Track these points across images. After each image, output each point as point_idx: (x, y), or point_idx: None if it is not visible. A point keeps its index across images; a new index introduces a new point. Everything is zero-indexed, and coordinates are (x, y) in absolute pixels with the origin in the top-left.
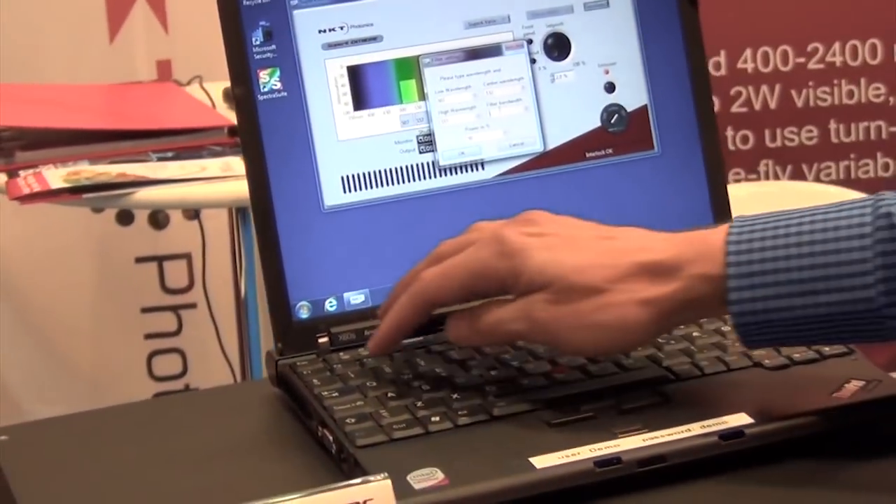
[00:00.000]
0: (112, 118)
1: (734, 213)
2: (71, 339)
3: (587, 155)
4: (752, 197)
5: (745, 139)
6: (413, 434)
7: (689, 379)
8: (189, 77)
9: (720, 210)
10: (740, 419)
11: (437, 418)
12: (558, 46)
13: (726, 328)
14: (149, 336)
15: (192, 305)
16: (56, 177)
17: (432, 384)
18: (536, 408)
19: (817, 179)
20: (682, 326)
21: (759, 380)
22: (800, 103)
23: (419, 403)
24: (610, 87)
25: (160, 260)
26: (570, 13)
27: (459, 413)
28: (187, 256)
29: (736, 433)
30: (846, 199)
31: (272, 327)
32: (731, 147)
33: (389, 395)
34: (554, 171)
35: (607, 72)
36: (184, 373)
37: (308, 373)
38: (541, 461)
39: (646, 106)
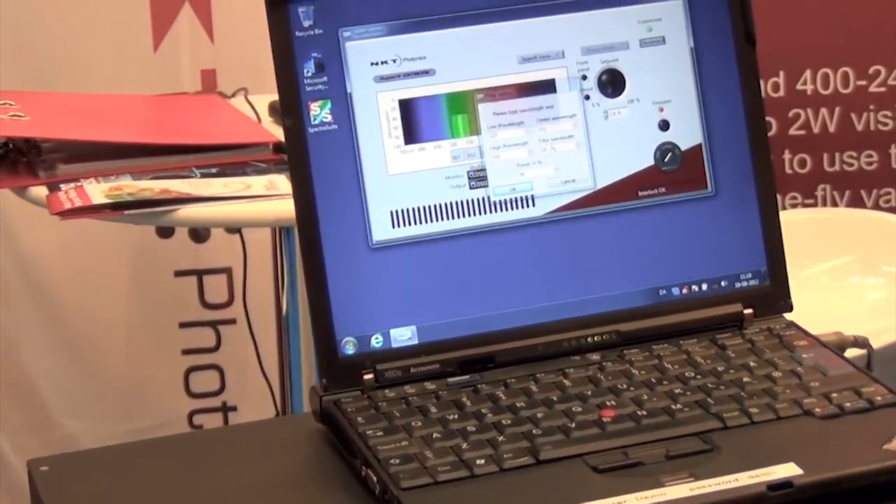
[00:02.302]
0: (155, 132)
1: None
2: (107, 352)
3: (639, 194)
4: (807, 223)
5: (802, 163)
6: (458, 477)
7: (739, 427)
8: (234, 88)
9: (773, 252)
10: (789, 469)
11: (483, 461)
12: (613, 83)
13: (777, 374)
14: (186, 352)
15: (232, 321)
16: (98, 192)
17: (479, 426)
18: (584, 453)
19: (876, 206)
20: (731, 371)
21: (809, 429)
22: (860, 127)
23: (465, 445)
24: (664, 125)
25: (200, 274)
26: (626, 49)
27: (506, 456)
28: (228, 271)
29: (785, 484)
30: None
31: (317, 362)
32: (787, 171)
33: (435, 435)
34: (605, 210)
35: (662, 109)
36: (221, 390)
37: (352, 410)
38: None
39: (700, 145)
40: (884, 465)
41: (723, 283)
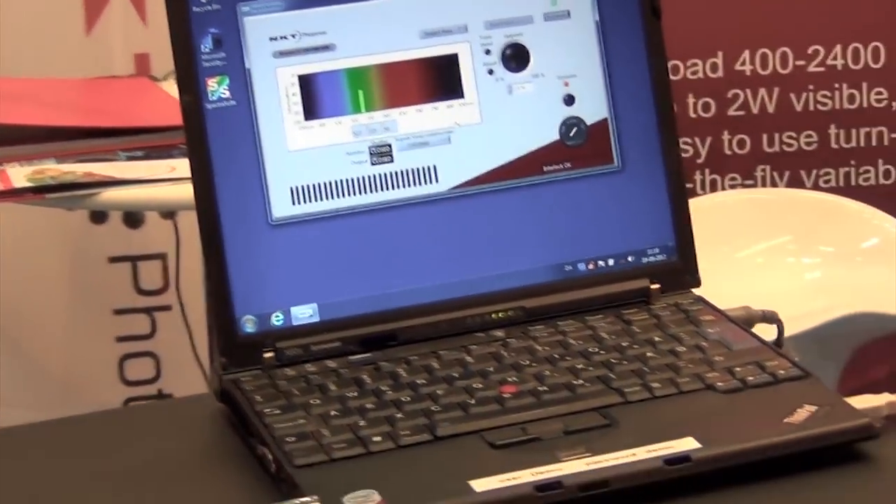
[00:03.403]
0: (82, 115)
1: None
2: (40, 340)
3: (544, 169)
4: (744, 203)
5: (741, 143)
6: (353, 454)
7: (639, 402)
8: (166, 72)
9: (681, 227)
10: (688, 444)
11: (379, 438)
12: (517, 57)
13: (681, 348)
14: (121, 339)
15: (167, 308)
16: (20, 175)
17: (378, 403)
18: (482, 429)
19: (816, 186)
20: (635, 346)
21: (711, 403)
22: (799, 107)
23: (362, 423)
24: (569, 100)
25: (134, 260)
26: (530, 24)
27: (403, 433)
28: (162, 256)
29: (682, 458)
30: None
31: (217, 341)
32: (727, 151)
33: (333, 413)
34: (510, 185)
35: (567, 84)
36: (156, 378)
37: (251, 389)
38: (481, 484)
39: (606, 119)
40: (784, 438)
41: (629, 259)
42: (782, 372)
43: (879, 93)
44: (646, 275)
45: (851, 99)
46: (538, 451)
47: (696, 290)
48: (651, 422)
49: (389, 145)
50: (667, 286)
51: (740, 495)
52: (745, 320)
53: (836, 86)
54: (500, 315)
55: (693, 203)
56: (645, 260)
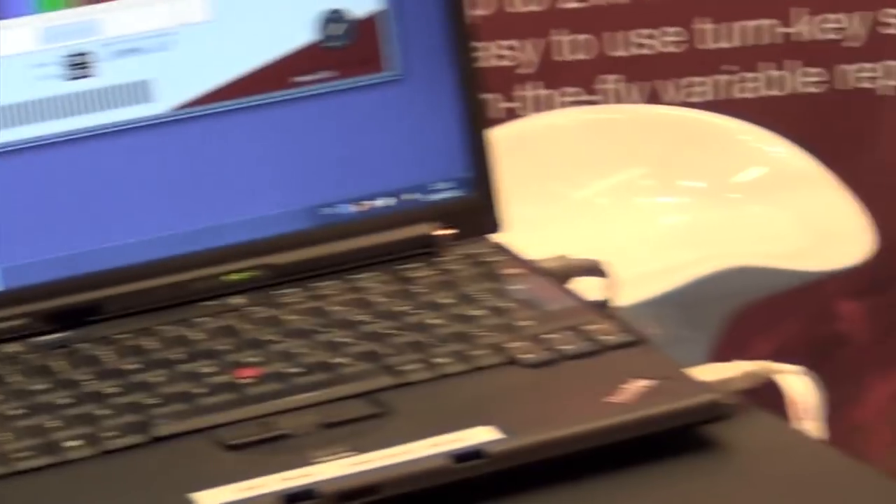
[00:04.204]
0: None
1: (558, 148)
2: None
3: (295, 80)
4: (586, 126)
5: (578, 46)
6: (45, 464)
7: (421, 383)
8: None
9: (478, 154)
10: (483, 434)
11: (78, 443)
12: None
13: (476, 312)
14: None
15: None
16: None
17: (74, 397)
18: (212, 425)
19: (681, 102)
20: (415, 312)
21: (514, 381)
22: None
23: (54, 423)
24: None
25: None
26: None
27: (107, 435)
28: None
29: (475, 453)
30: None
31: None
32: (556, 57)
33: (12, 413)
34: (248, 103)
35: None
36: None
37: None
38: (208, 497)
39: (378, 13)
40: (606, 423)
41: (410, 197)
42: (607, 338)
43: None
44: (433, 217)
45: None
46: (286, 452)
47: (503, 238)
48: (435, 408)
49: (89, 53)
50: (462, 232)
51: (552, 497)
52: (562, 273)
53: None
54: (237, 276)
55: (515, 127)
56: (431, 198)
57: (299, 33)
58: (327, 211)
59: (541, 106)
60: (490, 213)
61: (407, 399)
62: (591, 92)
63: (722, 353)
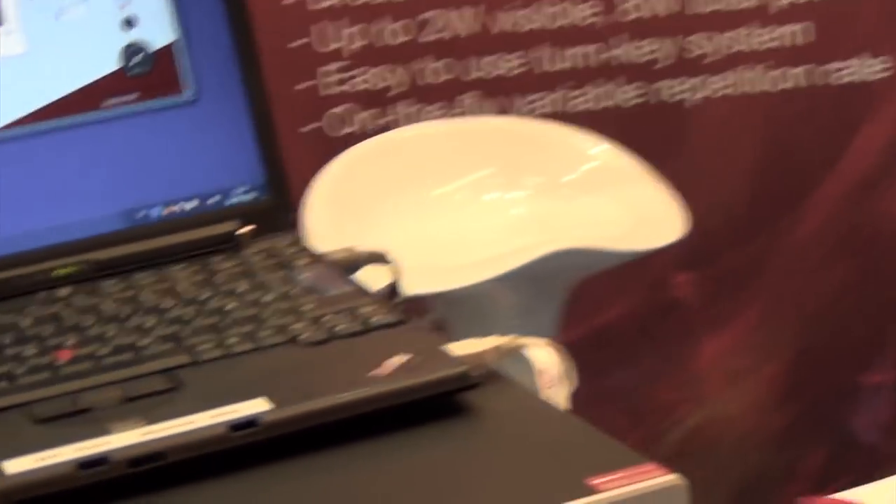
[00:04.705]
0: None
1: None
2: None
3: (104, 103)
4: (444, 135)
5: (438, 71)
6: None
7: (212, 361)
8: None
9: (272, 161)
10: (258, 406)
11: None
12: None
13: (267, 297)
14: None
15: None
16: None
17: None
18: (25, 402)
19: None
20: (215, 298)
21: (292, 358)
22: (506, 27)
23: None
24: (129, 23)
25: None
26: None
27: None
28: None
29: (249, 422)
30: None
31: None
32: (422, 81)
33: None
34: (64, 124)
35: (123, 6)
36: None
37: None
38: (14, 465)
39: (173, 43)
40: (367, 393)
41: (212, 200)
42: (375, 319)
43: (591, 7)
44: (234, 216)
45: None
46: (87, 424)
47: (381, 234)
48: (222, 383)
49: None
50: (260, 228)
51: (322, 460)
52: (349, 263)
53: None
54: (63, 271)
55: (385, 138)
56: (231, 200)
57: (106, 63)
58: (140, 213)
59: (412, 120)
60: (285, 212)
61: (199, 375)
62: (452, 107)
63: (571, 321)
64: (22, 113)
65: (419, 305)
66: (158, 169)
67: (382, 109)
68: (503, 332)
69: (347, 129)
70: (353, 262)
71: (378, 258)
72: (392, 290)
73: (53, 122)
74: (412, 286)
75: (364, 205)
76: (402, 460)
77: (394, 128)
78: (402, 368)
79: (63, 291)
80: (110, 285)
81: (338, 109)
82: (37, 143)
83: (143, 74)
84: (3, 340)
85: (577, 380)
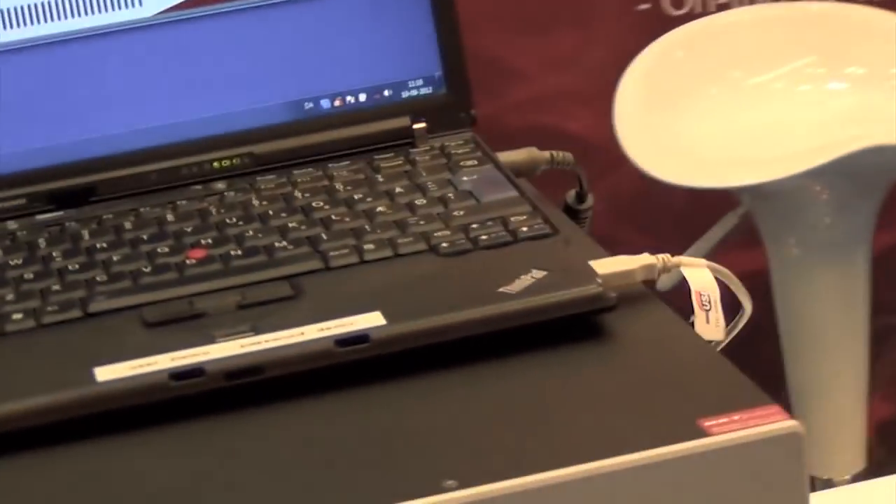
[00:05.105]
0: None
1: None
2: None
3: None
4: (763, 22)
5: None
6: None
7: (343, 268)
8: None
9: (450, 52)
10: (373, 320)
11: (21, 315)
12: None
13: (421, 201)
14: None
15: None
16: None
17: (40, 272)
18: (143, 303)
19: None
20: (368, 199)
21: (425, 269)
22: None
23: (10, 296)
24: None
25: None
26: None
27: (49, 309)
28: None
29: (359, 338)
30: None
31: None
32: None
33: None
34: (233, 6)
35: None
36: None
37: None
38: (106, 372)
39: None
40: (486, 312)
41: (386, 93)
42: (525, 229)
43: None
44: (406, 112)
45: None
46: (196, 330)
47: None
48: (344, 293)
49: None
50: (435, 125)
51: (435, 382)
52: (528, 165)
53: None
54: (223, 163)
55: (706, 22)
56: (405, 94)
57: None
58: (308, 105)
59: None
60: (462, 109)
61: (325, 283)
62: None
63: (890, 221)
64: None
65: (726, 198)
66: (328, 57)
67: None
68: (815, 231)
69: (685, 10)
70: (532, 165)
71: (564, 162)
72: (578, 196)
73: (221, 6)
74: (720, 178)
75: (677, 91)
76: (511, 384)
77: (732, 7)
78: (536, 285)
79: (219, 185)
80: (267, 181)
81: None
82: (203, 27)
83: None
84: (143, 235)
85: (751, 306)
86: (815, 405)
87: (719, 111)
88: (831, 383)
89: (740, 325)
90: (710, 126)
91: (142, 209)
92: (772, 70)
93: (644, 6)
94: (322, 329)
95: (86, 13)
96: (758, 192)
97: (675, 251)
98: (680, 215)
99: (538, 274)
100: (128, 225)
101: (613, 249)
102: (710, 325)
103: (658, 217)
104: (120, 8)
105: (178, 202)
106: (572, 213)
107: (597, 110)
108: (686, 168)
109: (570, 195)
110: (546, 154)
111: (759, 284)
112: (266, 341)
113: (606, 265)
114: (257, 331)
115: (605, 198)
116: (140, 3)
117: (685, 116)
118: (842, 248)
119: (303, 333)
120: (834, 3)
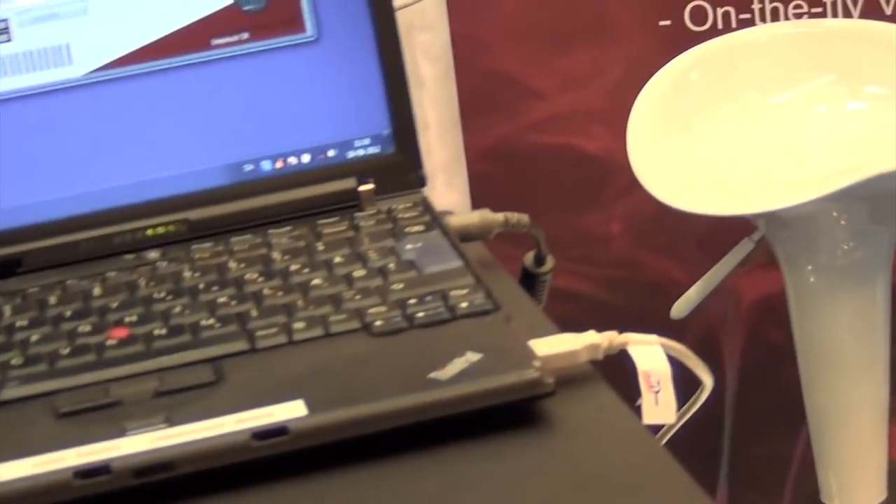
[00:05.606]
0: None
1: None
2: None
3: (214, 42)
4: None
5: None
6: None
7: (270, 349)
8: None
9: (399, 111)
10: (294, 410)
11: None
12: None
13: (360, 272)
14: None
15: None
16: None
17: None
18: (57, 390)
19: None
20: (305, 270)
21: (357, 350)
22: None
23: None
24: None
25: None
26: None
27: None
28: None
29: (278, 430)
30: None
31: None
32: None
33: None
34: (168, 65)
35: None
36: None
37: None
38: (9, 470)
39: None
40: (414, 400)
41: (330, 153)
42: (464, 305)
43: None
44: (352, 173)
45: None
46: (109, 422)
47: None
48: (266, 378)
49: (6, 20)
50: (383, 187)
51: (358, 474)
52: (479, 229)
53: None
54: (157, 231)
55: (724, 41)
56: (351, 154)
57: None
58: (248, 167)
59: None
60: (411, 169)
61: (248, 366)
62: (744, 10)
63: None
64: (118, 53)
65: (744, 225)
66: (270, 117)
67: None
68: (833, 257)
69: (707, 25)
70: (486, 229)
71: (519, 224)
72: (537, 259)
73: (157, 63)
74: (735, 206)
75: (691, 113)
76: (440, 477)
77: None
78: (469, 370)
79: (152, 254)
80: (203, 249)
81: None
82: (137, 86)
83: (258, 10)
84: (67, 311)
85: (712, 381)
86: (835, 434)
87: (735, 133)
88: (850, 411)
89: (700, 402)
90: (726, 148)
91: (69, 281)
92: (789, 90)
93: (665, 22)
94: (239, 420)
95: (12, 72)
96: (774, 217)
97: (697, 273)
98: (702, 236)
99: (473, 357)
100: (52, 300)
101: (633, 273)
102: (660, 408)
103: (679, 238)
104: (48, 67)
105: (108, 273)
106: (530, 277)
107: (617, 129)
108: (701, 195)
109: (528, 258)
110: (500, 216)
111: (780, 305)
112: (179, 434)
113: (548, 345)
114: (171, 422)
115: (624, 219)
116: (70, 62)
117: (700, 139)
118: (861, 274)
119: (219, 425)
120: (853, 21)
